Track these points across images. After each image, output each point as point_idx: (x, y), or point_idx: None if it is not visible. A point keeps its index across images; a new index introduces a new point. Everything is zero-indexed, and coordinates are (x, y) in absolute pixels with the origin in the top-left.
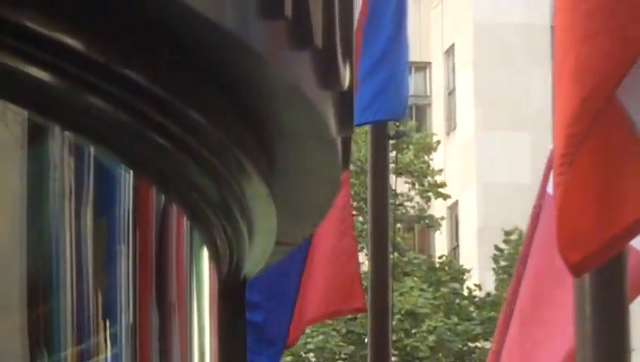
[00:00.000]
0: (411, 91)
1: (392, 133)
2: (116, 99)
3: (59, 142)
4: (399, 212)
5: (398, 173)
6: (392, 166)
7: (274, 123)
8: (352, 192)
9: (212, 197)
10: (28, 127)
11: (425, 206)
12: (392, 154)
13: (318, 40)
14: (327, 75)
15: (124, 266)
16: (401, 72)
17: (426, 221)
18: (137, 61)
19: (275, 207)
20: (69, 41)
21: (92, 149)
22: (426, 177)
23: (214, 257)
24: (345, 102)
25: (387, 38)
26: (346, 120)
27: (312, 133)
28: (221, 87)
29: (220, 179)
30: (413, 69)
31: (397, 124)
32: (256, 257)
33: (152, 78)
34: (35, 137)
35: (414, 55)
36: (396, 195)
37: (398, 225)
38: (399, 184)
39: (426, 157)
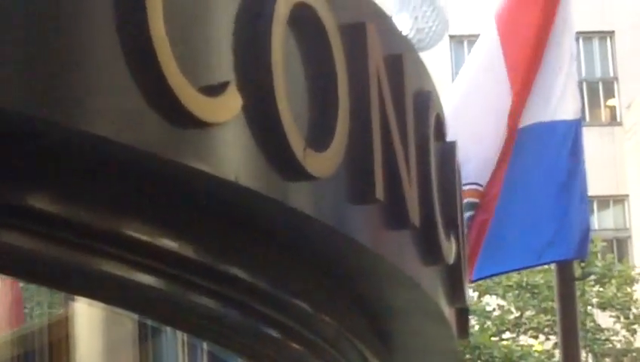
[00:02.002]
0: (611, 225)
1: (577, 273)
2: (223, 296)
3: (172, 339)
4: (606, 346)
5: (602, 308)
6: (595, 300)
7: (382, 304)
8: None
9: None
10: (139, 327)
11: (631, 339)
12: (595, 289)
13: (416, 219)
14: (429, 251)
15: None
16: (582, 209)
17: (634, 354)
18: (241, 259)
19: None
20: (172, 245)
21: (205, 345)
22: (630, 310)
23: None
24: (453, 275)
25: (566, 171)
26: (456, 292)
27: (420, 309)
28: (327, 275)
29: None
30: (611, 203)
31: (582, 264)
32: None
33: (259, 274)
34: (148, 336)
35: (611, 188)
36: (601, 330)
37: (607, 360)
38: (604, 318)
39: (628, 289)
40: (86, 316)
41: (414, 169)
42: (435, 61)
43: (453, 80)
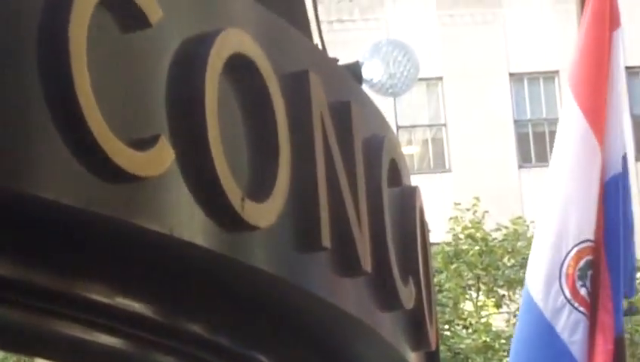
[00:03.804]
0: None
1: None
2: (184, 354)
3: None
4: None
5: None
6: None
7: (344, 353)
8: None
9: None
10: None
11: None
12: None
13: (367, 265)
14: (385, 298)
15: None
16: (628, 245)
17: None
18: (199, 315)
19: None
20: (130, 305)
21: None
22: None
23: None
24: (415, 320)
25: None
26: (419, 337)
27: (381, 356)
28: (285, 327)
29: None
30: None
31: (630, 300)
32: None
33: (217, 330)
34: None
35: None
36: None
37: None
38: None
39: None
40: None
41: (365, 215)
42: (496, 99)
43: (514, 118)
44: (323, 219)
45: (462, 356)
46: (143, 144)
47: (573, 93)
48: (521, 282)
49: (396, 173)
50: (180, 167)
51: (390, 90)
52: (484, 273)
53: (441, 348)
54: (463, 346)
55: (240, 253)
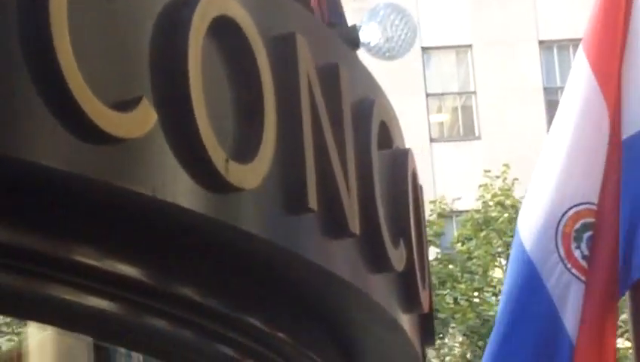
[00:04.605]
0: None
1: None
2: (175, 317)
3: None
4: None
5: None
6: None
7: (335, 316)
8: None
9: None
10: (94, 350)
11: None
12: None
13: (356, 227)
14: (375, 260)
15: None
16: None
17: None
18: (189, 278)
19: None
20: (122, 268)
21: None
22: None
23: None
24: (406, 282)
25: None
26: (411, 299)
27: (374, 318)
28: (276, 290)
29: None
30: None
31: None
32: None
33: (209, 293)
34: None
35: None
36: None
37: None
38: None
39: None
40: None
41: (354, 177)
42: (526, 67)
43: (543, 85)
44: (309, 180)
45: (491, 323)
46: (125, 105)
47: (585, 53)
48: None
49: (387, 136)
50: (163, 128)
51: (387, 54)
52: (513, 240)
53: (470, 315)
54: (492, 313)
55: (225, 214)
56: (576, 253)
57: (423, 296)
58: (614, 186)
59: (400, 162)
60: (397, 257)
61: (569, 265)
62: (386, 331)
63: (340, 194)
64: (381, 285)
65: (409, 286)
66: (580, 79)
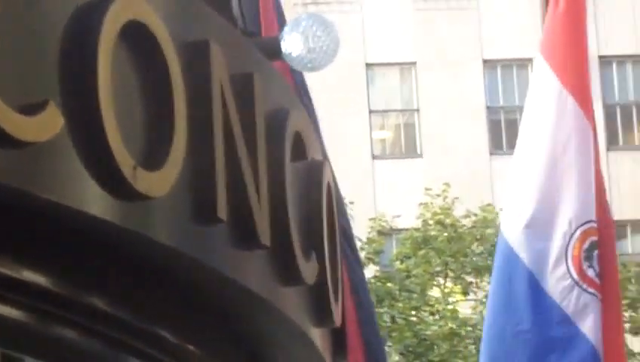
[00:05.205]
0: None
1: None
2: (84, 327)
3: None
4: None
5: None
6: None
7: (246, 329)
8: None
9: None
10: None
11: None
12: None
13: (266, 239)
14: (285, 273)
15: None
16: None
17: None
18: (99, 288)
19: None
20: (32, 277)
21: None
22: None
23: None
24: (318, 296)
25: None
26: (322, 313)
27: (283, 331)
28: (186, 301)
29: None
30: None
31: None
32: None
33: (118, 303)
34: None
35: None
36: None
37: None
38: (636, 343)
39: None
40: None
41: (265, 188)
42: (470, 86)
43: (486, 104)
44: (220, 190)
45: (428, 342)
46: (31, 109)
47: (555, 73)
48: (489, 269)
49: (302, 147)
50: (71, 134)
51: (309, 65)
52: (452, 259)
53: (407, 334)
54: (429, 332)
55: (133, 222)
56: (590, 273)
57: (336, 309)
58: (604, 199)
59: (314, 174)
60: (308, 270)
61: (584, 286)
62: (295, 344)
63: (251, 205)
64: (291, 298)
65: (320, 299)
66: (550, 93)
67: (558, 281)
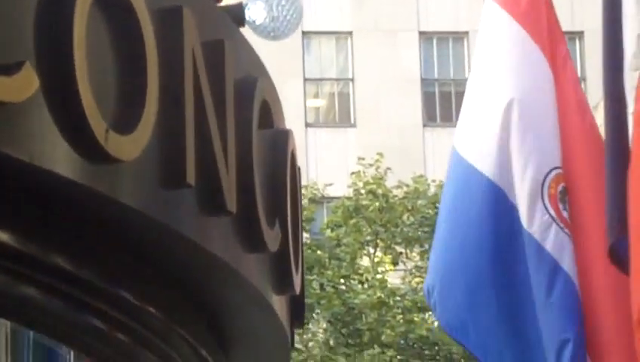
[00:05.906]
0: None
1: None
2: (47, 286)
3: None
4: None
5: None
6: None
7: (209, 295)
8: None
9: None
10: None
11: None
12: None
13: (233, 206)
14: (250, 239)
15: None
16: None
17: None
18: (63, 248)
19: None
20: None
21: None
22: None
23: None
24: (279, 263)
25: None
26: (283, 280)
27: (245, 297)
28: (150, 265)
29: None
30: None
31: None
32: None
33: (81, 263)
34: None
35: None
36: None
37: None
38: None
39: None
40: None
41: (233, 155)
42: (405, 57)
43: (421, 76)
44: (189, 156)
45: (356, 311)
46: (6, 69)
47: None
48: (419, 240)
49: (268, 116)
50: (45, 95)
51: (272, 34)
52: (382, 229)
53: (336, 302)
54: (357, 301)
55: (102, 185)
56: (565, 214)
57: (296, 277)
58: (582, 149)
59: (280, 143)
60: (272, 237)
61: (562, 225)
62: (256, 311)
63: (219, 171)
64: (254, 264)
65: (282, 267)
66: (505, 31)
67: (538, 213)
